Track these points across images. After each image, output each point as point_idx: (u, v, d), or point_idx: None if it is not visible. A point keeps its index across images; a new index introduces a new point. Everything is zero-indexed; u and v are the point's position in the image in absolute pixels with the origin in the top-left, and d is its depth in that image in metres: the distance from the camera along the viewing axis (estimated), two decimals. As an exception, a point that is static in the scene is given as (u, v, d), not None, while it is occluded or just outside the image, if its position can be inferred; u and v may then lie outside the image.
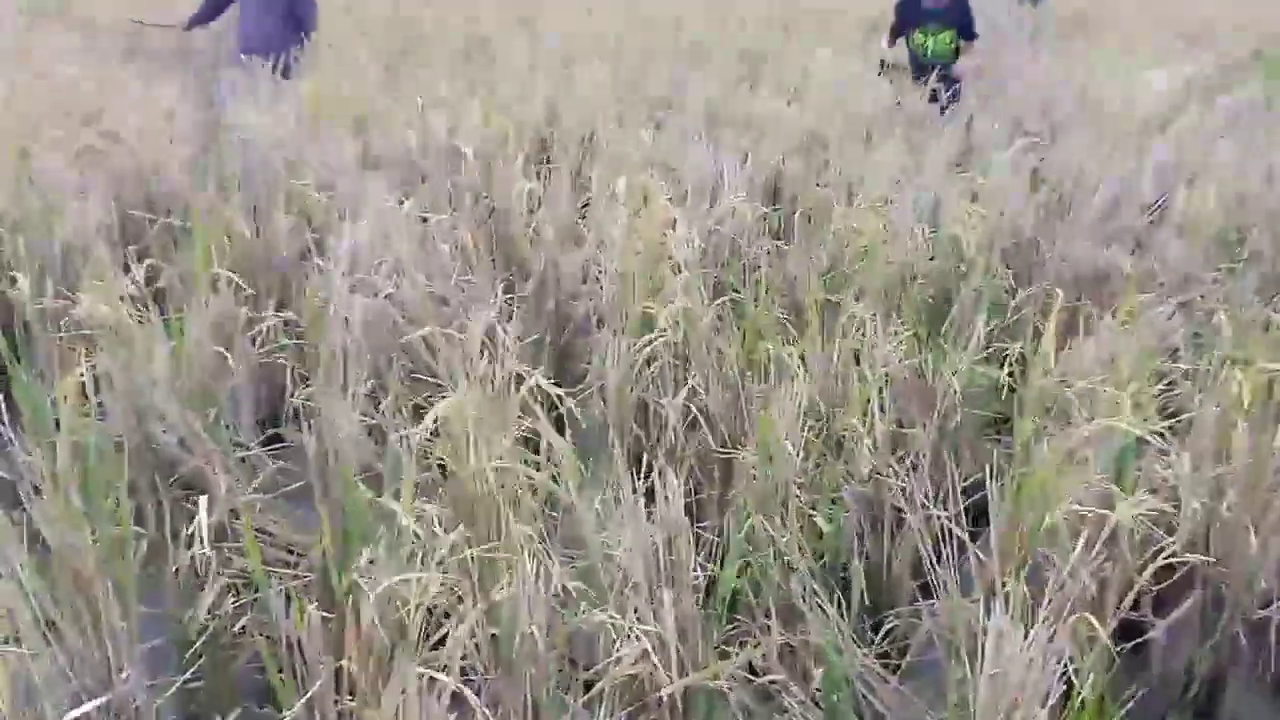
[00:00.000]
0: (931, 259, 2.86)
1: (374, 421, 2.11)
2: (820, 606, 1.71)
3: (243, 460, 2.22)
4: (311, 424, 2.06)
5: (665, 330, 2.26)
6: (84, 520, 1.71)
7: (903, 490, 1.96)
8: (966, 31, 5.12)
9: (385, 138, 3.88)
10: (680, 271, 2.58)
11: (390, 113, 4.25)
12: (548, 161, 3.91)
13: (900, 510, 1.95)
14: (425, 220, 3.02)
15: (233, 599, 1.81)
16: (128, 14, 6.92)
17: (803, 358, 2.01)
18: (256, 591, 1.73)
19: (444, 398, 1.77)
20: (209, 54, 6.23)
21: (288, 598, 1.67)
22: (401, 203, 2.97)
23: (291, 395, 2.39)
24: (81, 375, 1.87)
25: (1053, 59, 6.85)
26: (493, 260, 2.87)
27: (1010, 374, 2.17)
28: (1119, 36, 8.59)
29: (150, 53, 6.43)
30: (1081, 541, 1.64)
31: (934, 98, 4.79)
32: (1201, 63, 6.34)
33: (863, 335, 2.15)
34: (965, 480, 1.99)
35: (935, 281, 2.78)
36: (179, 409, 2.02)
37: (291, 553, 2.08)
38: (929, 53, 5.18)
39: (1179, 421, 2.06)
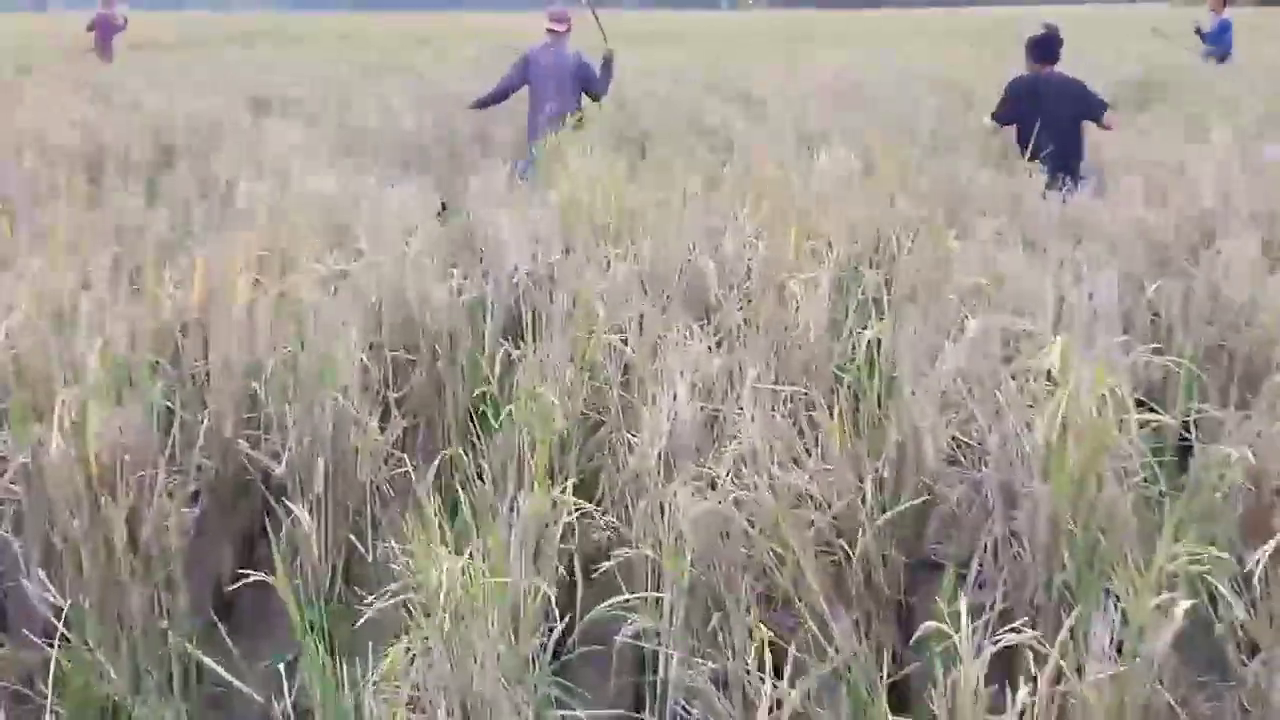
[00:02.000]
0: None
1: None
2: None
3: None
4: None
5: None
6: None
7: None
8: None
9: (654, 249, 3.33)
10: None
11: (643, 214, 3.73)
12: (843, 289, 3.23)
13: None
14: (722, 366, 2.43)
15: None
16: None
17: None
18: None
19: None
20: (431, 150, 6.00)
21: None
22: (711, 350, 2.39)
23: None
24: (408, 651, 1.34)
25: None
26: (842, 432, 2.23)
27: None
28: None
29: (367, 144, 6.25)
30: None
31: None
32: None
33: None
34: None
35: None
36: (508, 694, 1.46)
37: None
38: None
39: None
